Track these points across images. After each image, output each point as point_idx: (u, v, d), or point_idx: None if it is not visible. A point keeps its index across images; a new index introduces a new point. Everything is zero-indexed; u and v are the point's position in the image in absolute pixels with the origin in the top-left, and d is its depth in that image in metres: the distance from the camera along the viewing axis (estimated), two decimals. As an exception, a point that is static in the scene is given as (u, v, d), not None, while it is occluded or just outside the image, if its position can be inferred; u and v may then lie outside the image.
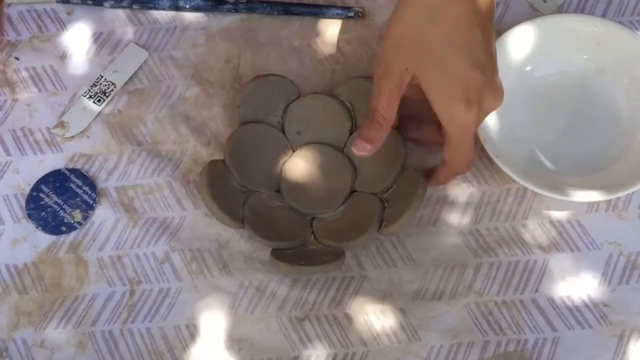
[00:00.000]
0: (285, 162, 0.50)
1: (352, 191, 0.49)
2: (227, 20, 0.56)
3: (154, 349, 0.46)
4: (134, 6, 0.56)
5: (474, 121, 0.43)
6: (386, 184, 0.49)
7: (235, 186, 0.49)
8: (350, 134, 0.51)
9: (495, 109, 0.45)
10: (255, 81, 0.51)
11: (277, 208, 0.49)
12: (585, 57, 0.52)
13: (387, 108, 0.44)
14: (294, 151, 0.51)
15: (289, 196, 0.49)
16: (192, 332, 0.46)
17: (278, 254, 0.46)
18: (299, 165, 0.50)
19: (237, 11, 0.56)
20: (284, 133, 0.51)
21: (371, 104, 0.45)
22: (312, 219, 0.49)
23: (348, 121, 0.51)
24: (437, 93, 0.43)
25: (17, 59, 0.54)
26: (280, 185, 0.50)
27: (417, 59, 0.43)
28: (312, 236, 0.48)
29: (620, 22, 0.52)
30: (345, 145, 0.51)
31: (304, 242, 0.48)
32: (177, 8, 0.56)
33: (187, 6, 0.55)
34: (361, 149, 0.46)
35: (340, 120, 0.51)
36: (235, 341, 0.46)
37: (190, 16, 0.56)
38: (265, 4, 0.55)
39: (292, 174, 0.50)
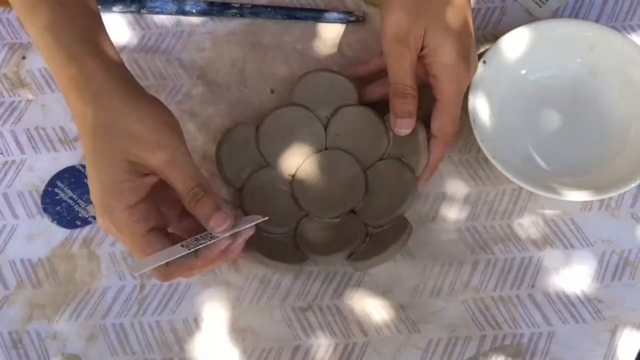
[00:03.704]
0: (311, 155, 0.51)
1: (350, 211, 0.50)
2: (232, 24, 0.57)
3: (163, 341, 0.47)
4: (142, 11, 0.57)
5: (468, 82, 0.47)
6: (384, 221, 0.49)
7: (253, 154, 0.50)
8: (382, 155, 0.51)
9: (471, 78, 0.48)
10: (318, 73, 0.52)
11: (279, 192, 0.50)
12: (579, 60, 0.53)
13: (412, 77, 0.46)
14: (326, 149, 0.52)
15: (297, 186, 0.50)
16: (199, 324, 0.48)
17: (354, 259, 0.47)
18: (319, 163, 0.51)
19: (242, 16, 0.57)
20: (325, 130, 0.52)
21: (396, 81, 0.47)
22: (355, 212, 0.50)
23: (385, 142, 0.51)
24: (444, 51, 0.45)
25: (24, 58, 0.56)
26: (295, 173, 0.51)
27: (427, 19, 0.45)
28: (367, 230, 0.49)
29: (613, 27, 0.53)
30: (371, 165, 0.51)
31: (364, 238, 0.48)
32: (184, 13, 0.57)
33: (194, 11, 0.57)
34: (405, 126, 0.48)
35: (379, 141, 0.51)
36: (239, 331, 0.47)
37: (196, 20, 0.57)
38: (269, 9, 0.56)
39: (309, 169, 0.51)
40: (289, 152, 0.51)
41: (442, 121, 0.48)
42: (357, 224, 0.49)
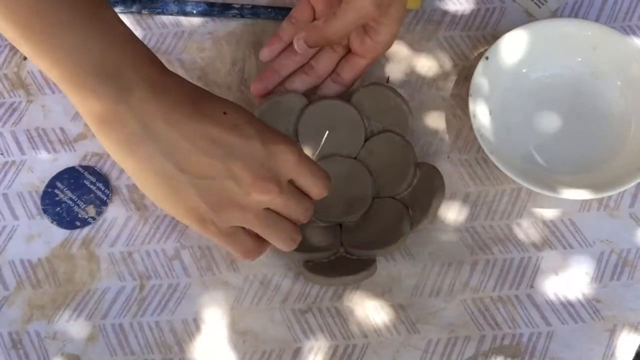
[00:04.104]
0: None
1: (374, 197, 0.50)
2: (232, 24, 0.57)
3: (162, 342, 0.47)
4: (143, 11, 0.57)
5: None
6: (405, 184, 0.49)
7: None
8: (365, 140, 0.51)
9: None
10: (264, 104, 0.51)
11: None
12: (579, 60, 0.53)
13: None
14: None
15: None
16: (199, 325, 0.48)
17: (311, 267, 0.47)
18: (340, 166, 0.51)
19: (242, 16, 0.57)
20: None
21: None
22: (340, 228, 0.49)
23: (361, 126, 0.51)
24: None
25: (25, 59, 0.56)
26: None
27: None
28: (342, 247, 0.49)
29: (612, 28, 0.53)
30: (359, 152, 0.51)
31: (334, 253, 0.48)
32: (185, 13, 0.57)
33: (194, 11, 0.57)
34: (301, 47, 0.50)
35: (354, 126, 0.51)
36: (239, 333, 0.47)
37: (197, 21, 0.57)
38: (269, 10, 0.57)
39: (329, 167, 0.50)
40: (320, 140, 0.51)
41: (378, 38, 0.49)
42: (389, 204, 0.49)
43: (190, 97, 0.37)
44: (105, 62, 0.35)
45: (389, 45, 0.51)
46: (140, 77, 0.35)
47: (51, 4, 0.34)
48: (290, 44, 0.52)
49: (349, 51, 0.52)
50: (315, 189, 0.41)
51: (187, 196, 0.37)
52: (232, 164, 0.36)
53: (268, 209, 0.39)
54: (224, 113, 0.37)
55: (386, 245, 0.47)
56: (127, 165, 0.37)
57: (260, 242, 0.41)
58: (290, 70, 0.53)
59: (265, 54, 0.52)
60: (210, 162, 0.36)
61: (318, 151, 0.45)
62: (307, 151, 0.52)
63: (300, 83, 0.52)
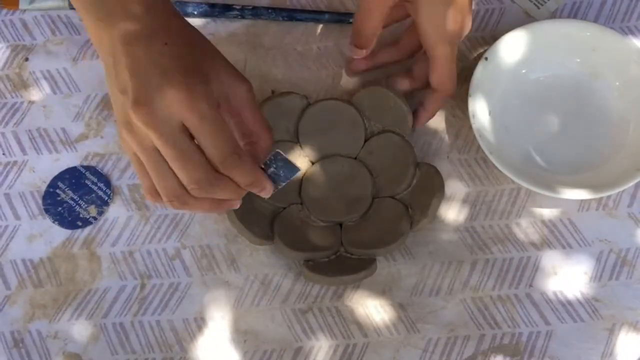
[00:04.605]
0: (303, 177, 0.51)
1: (374, 197, 0.50)
2: (233, 25, 0.57)
3: (163, 341, 0.48)
4: (144, 12, 0.58)
5: (460, 35, 0.46)
6: (404, 184, 0.50)
7: (261, 205, 0.49)
8: (365, 140, 0.52)
9: (467, 32, 0.47)
10: (265, 104, 0.51)
11: (305, 221, 0.50)
12: (578, 60, 0.53)
13: (375, 21, 0.47)
14: (312, 164, 0.52)
15: (312, 208, 0.50)
16: (200, 324, 0.48)
17: (312, 267, 0.47)
18: (319, 178, 0.51)
19: (243, 17, 0.57)
20: (300, 146, 0.52)
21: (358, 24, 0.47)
22: (341, 228, 0.50)
23: (361, 127, 0.52)
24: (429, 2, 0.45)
25: (26, 59, 0.56)
26: (315, 162, 0.51)
27: None
28: (342, 246, 0.49)
29: (611, 28, 0.53)
30: (359, 152, 0.52)
31: (334, 252, 0.49)
32: (186, 14, 0.57)
33: (195, 12, 0.57)
34: (355, 53, 0.49)
35: (354, 126, 0.52)
36: (240, 333, 0.48)
37: (198, 22, 0.57)
38: (270, 10, 0.57)
39: (313, 187, 0.51)
40: (288, 185, 0.51)
41: (440, 77, 0.48)
42: (388, 203, 0.49)
43: (151, 26, 0.38)
44: None
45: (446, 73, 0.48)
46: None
47: None
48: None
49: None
50: (207, 149, 0.37)
51: (114, 105, 0.39)
52: (131, 81, 0.36)
53: (159, 153, 0.37)
54: (165, 44, 0.37)
55: (386, 244, 0.48)
56: (104, 65, 0.39)
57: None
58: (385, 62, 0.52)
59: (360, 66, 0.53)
60: (126, 78, 0.37)
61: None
62: (308, 153, 0.52)
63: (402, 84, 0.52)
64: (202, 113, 0.36)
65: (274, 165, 0.41)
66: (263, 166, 0.41)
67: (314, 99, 0.53)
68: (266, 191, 0.41)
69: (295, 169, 0.41)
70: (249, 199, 0.48)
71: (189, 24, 0.41)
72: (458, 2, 0.45)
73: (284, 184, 0.42)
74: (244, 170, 0.38)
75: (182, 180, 0.37)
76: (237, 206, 0.42)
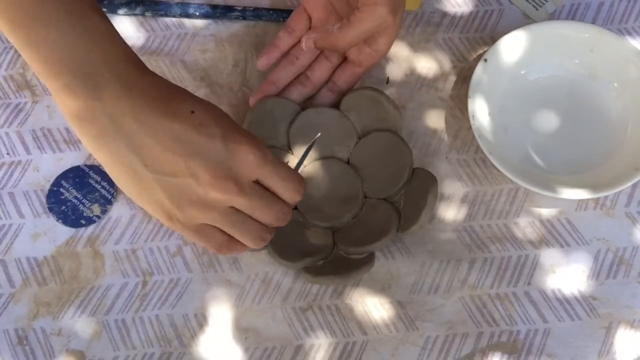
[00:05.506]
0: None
1: (365, 198, 0.51)
2: (235, 26, 0.58)
3: (162, 336, 0.48)
4: (146, 14, 0.58)
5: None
6: (397, 188, 0.50)
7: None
8: (357, 142, 0.52)
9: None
10: (254, 110, 0.52)
11: (297, 225, 0.50)
12: (577, 61, 0.54)
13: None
14: (304, 167, 0.52)
15: (305, 211, 0.50)
16: (200, 321, 0.48)
17: (310, 271, 0.48)
18: (310, 182, 0.51)
19: (244, 18, 0.57)
20: (292, 152, 0.52)
21: None
22: (333, 230, 0.50)
23: (352, 132, 0.52)
24: None
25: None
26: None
27: None
28: (335, 246, 0.49)
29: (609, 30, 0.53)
30: (350, 154, 0.52)
31: (329, 253, 0.49)
32: (188, 15, 0.57)
33: (197, 13, 0.57)
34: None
35: (344, 132, 0.52)
36: (241, 330, 0.48)
37: (199, 23, 0.58)
38: (271, 12, 0.57)
39: (304, 191, 0.51)
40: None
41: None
42: (379, 204, 0.50)
43: (162, 95, 0.37)
44: (82, 59, 0.36)
45: (386, 53, 0.51)
46: (114, 75, 0.36)
47: (35, 0, 0.35)
48: (287, 52, 0.53)
49: (344, 60, 0.53)
50: (285, 192, 0.40)
51: (152, 191, 0.38)
52: (192, 161, 0.37)
53: (235, 208, 0.39)
54: (192, 112, 0.37)
55: (381, 237, 0.48)
56: (99, 157, 0.38)
57: (231, 238, 0.41)
58: (287, 82, 0.53)
59: (263, 62, 0.53)
60: (173, 159, 0.37)
61: (305, 154, 0.45)
62: (299, 156, 0.52)
63: (297, 94, 0.53)
64: (273, 162, 0.39)
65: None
66: None
67: (305, 105, 0.54)
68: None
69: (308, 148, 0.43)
70: None
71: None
72: None
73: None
74: (302, 191, 0.42)
75: (265, 222, 0.41)
76: None
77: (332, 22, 0.52)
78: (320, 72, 0.53)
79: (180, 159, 0.37)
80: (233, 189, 0.38)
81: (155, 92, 0.37)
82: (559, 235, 0.51)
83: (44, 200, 0.52)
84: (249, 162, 0.38)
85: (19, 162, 0.54)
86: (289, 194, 0.41)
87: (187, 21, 0.58)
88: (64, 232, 0.51)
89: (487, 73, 0.52)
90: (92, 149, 0.38)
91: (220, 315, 0.49)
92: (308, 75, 0.53)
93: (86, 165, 0.53)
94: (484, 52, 0.53)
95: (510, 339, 0.48)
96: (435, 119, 0.54)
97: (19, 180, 0.53)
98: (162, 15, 0.58)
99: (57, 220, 0.51)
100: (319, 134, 0.44)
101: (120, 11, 0.58)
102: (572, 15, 0.57)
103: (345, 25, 0.48)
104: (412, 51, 0.57)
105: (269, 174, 0.39)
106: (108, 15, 0.57)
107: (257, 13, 0.57)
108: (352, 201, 0.50)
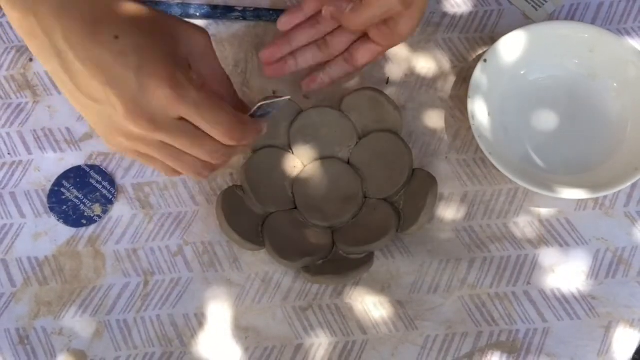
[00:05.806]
0: (295, 179, 0.51)
1: (365, 198, 0.51)
2: (235, 27, 0.58)
3: (163, 335, 0.48)
4: (147, 13, 0.58)
5: None
6: (396, 189, 0.50)
7: (254, 210, 0.50)
8: (357, 142, 0.52)
9: None
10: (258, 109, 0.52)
11: (296, 225, 0.50)
12: (576, 62, 0.54)
13: None
14: (304, 166, 0.52)
15: (305, 211, 0.50)
16: (200, 320, 0.48)
17: (310, 270, 0.48)
18: (310, 181, 0.51)
19: (244, 18, 0.58)
20: (292, 152, 0.52)
21: None
22: (332, 230, 0.50)
23: (352, 132, 0.52)
24: None
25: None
26: (295, 202, 0.51)
27: None
28: (334, 246, 0.49)
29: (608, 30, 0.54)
30: (351, 153, 0.52)
31: (329, 253, 0.49)
32: (188, 16, 0.57)
33: (197, 14, 0.57)
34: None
35: (345, 132, 0.52)
36: (241, 330, 0.48)
37: (200, 23, 0.57)
38: (271, 12, 0.57)
39: (304, 190, 0.51)
40: (280, 190, 0.51)
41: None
42: (379, 204, 0.50)
43: (96, 15, 0.35)
44: None
45: (407, 37, 0.50)
46: None
47: None
48: (309, 18, 0.52)
49: (365, 34, 0.52)
50: (213, 134, 0.37)
51: (87, 114, 0.38)
52: (110, 91, 0.35)
53: (166, 144, 0.38)
54: (116, 37, 0.35)
55: (377, 240, 0.48)
56: (48, 70, 0.37)
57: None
58: (303, 44, 0.52)
59: (284, 22, 0.52)
60: (96, 86, 0.35)
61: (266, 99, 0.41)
62: (303, 158, 0.52)
63: (312, 56, 0.52)
64: (194, 101, 0.36)
65: (260, 113, 0.41)
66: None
67: (314, 99, 0.54)
68: (263, 132, 0.42)
69: (281, 101, 0.41)
70: (238, 204, 0.49)
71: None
72: None
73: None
74: (248, 135, 0.39)
75: (199, 157, 0.39)
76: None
77: None
78: (340, 41, 0.52)
79: (100, 87, 0.35)
80: (147, 126, 0.36)
81: (90, 11, 0.35)
82: (559, 235, 0.51)
83: (45, 200, 0.52)
84: (160, 98, 0.35)
85: (20, 162, 0.54)
86: (220, 138, 0.38)
87: (187, 21, 0.58)
88: (65, 231, 0.51)
89: (487, 73, 0.52)
90: (41, 62, 0.37)
91: (221, 314, 0.49)
92: (327, 41, 0.52)
93: (87, 165, 0.53)
94: (484, 52, 0.53)
95: (510, 338, 0.48)
96: (435, 119, 0.54)
97: (20, 180, 0.53)
98: (162, 16, 0.58)
99: (58, 220, 0.51)
100: (289, 97, 0.42)
101: (121, 11, 0.58)
102: (572, 15, 0.58)
103: (357, 6, 0.48)
104: (412, 51, 0.57)
105: (188, 113, 0.36)
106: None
107: (257, 13, 0.58)
108: (352, 201, 0.51)
